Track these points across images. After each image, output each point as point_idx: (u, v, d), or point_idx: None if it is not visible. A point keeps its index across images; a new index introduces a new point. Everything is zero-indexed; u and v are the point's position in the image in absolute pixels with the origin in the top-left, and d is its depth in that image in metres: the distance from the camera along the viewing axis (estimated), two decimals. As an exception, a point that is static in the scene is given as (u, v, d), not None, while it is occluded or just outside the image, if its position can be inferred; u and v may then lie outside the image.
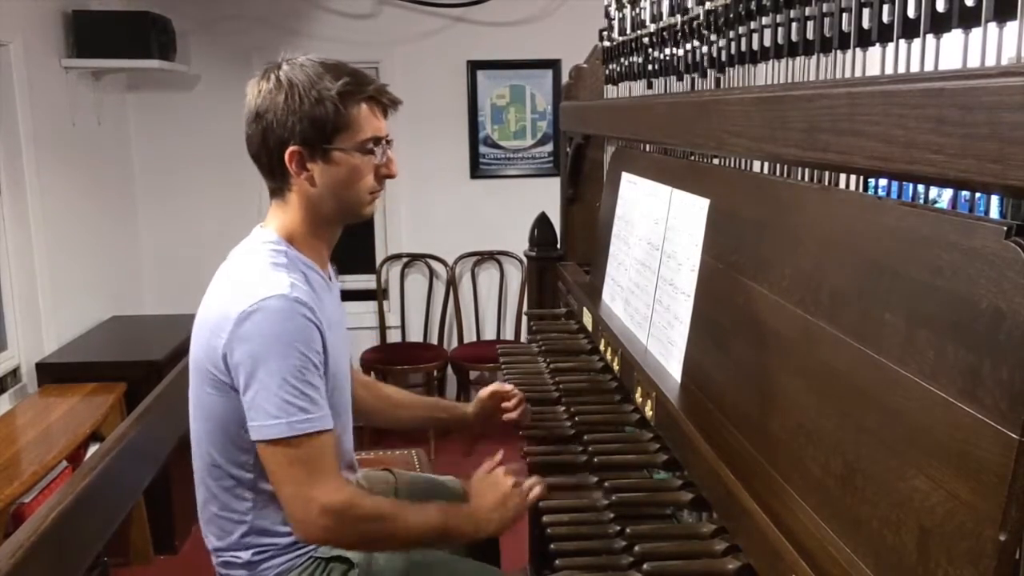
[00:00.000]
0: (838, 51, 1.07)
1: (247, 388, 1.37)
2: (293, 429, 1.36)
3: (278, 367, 1.35)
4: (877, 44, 0.99)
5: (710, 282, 1.40)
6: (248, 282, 1.41)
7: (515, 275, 4.55)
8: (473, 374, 4.46)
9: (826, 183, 1.14)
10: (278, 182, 1.48)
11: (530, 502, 1.49)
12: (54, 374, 3.23)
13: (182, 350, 3.26)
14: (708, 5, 1.46)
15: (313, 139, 1.41)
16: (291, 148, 1.42)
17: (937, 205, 1.05)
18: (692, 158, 1.67)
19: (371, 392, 1.87)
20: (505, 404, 1.80)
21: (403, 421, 1.95)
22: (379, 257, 4.51)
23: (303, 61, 1.44)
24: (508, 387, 1.82)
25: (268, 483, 1.45)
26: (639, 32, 1.90)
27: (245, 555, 1.52)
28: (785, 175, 1.25)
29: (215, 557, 1.57)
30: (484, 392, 1.85)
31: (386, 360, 4.28)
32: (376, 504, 1.47)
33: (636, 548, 1.17)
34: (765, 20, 1.25)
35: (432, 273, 4.54)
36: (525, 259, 2.71)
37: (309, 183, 1.45)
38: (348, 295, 3.79)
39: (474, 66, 4.40)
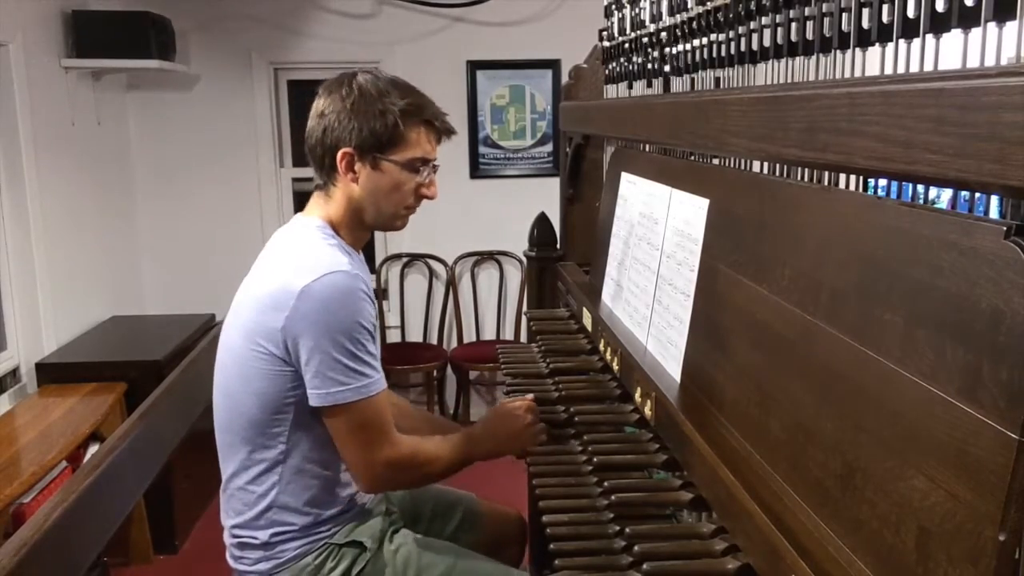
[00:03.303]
0: (838, 51, 1.07)
1: (310, 359, 1.46)
2: (358, 394, 1.47)
3: (340, 338, 1.45)
4: (877, 44, 0.99)
5: (710, 282, 1.40)
6: (307, 259, 1.49)
7: (515, 275, 4.56)
8: (473, 374, 4.47)
9: (826, 183, 1.14)
10: (325, 177, 1.59)
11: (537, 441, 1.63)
12: (54, 374, 3.24)
13: (182, 350, 3.29)
14: (708, 5, 1.46)
15: (367, 146, 1.53)
16: (345, 149, 1.52)
17: (937, 205, 1.05)
18: (692, 158, 1.67)
19: None
20: None
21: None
22: (379, 257, 4.51)
23: (378, 75, 1.57)
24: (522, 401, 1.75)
25: (298, 459, 1.54)
26: (639, 32, 1.90)
27: (263, 535, 1.56)
28: (785, 175, 1.25)
29: (231, 537, 1.60)
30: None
31: (386, 360, 4.24)
32: (426, 449, 1.61)
33: (636, 548, 1.17)
34: (765, 20, 1.25)
35: (432, 273, 4.54)
36: (525, 259, 2.71)
37: (354, 183, 1.55)
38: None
39: (474, 66, 4.41)
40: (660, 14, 1.73)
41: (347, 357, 1.45)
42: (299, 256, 1.51)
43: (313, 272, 1.45)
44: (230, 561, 1.62)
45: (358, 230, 1.62)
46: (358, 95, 1.52)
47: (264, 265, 1.56)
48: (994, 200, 0.89)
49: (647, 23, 1.82)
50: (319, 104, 1.56)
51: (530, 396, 1.72)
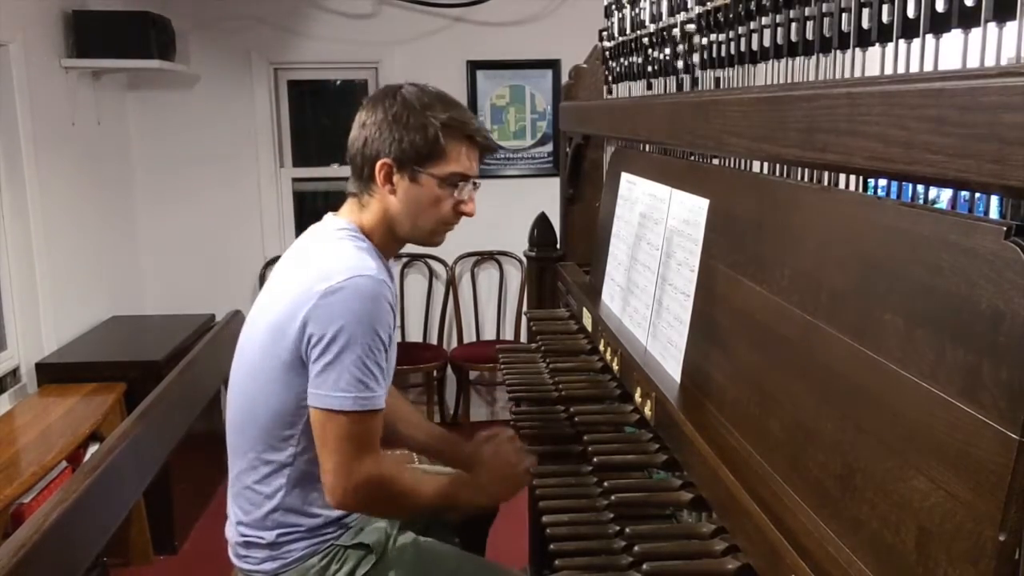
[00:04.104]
0: (838, 51, 1.07)
1: (320, 358, 1.43)
2: (358, 404, 1.44)
3: (356, 344, 1.42)
4: (877, 44, 0.99)
5: (710, 282, 1.40)
6: (333, 262, 1.47)
7: (515, 275, 4.55)
8: (473, 374, 4.47)
9: (826, 183, 1.14)
10: (363, 185, 1.58)
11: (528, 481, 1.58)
12: (54, 374, 3.23)
13: (182, 350, 3.29)
14: (708, 5, 1.46)
15: (406, 158, 1.52)
16: (384, 160, 1.52)
17: (937, 205, 1.05)
18: (692, 158, 1.67)
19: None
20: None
21: (402, 438, 1.91)
22: (379, 257, 4.51)
23: (424, 88, 1.57)
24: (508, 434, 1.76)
25: (305, 464, 1.52)
26: (639, 32, 1.90)
27: (269, 535, 1.56)
28: (785, 175, 1.25)
29: (236, 535, 1.60)
30: (484, 437, 1.79)
31: (386, 360, 4.27)
32: (403, 479, 1.56)
33: (636, 548, 1.17)
34: (765, 20, 1.25)
35: (432, 273, 4.54)
36: (525, 259, 2.71)
37: (392, 194, 1.54)
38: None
39: (474, 66, 4.41)
40: (660, 14, 1.73)
41: (357, 366, 1.42)
42: (325, 258, 1.49)
43: (338, 275, 1.43)
44: (233, 559, 1.61)
45: (391, 241, 1.60)
46: (400, 107, 1.51)
47: (288, 266, 1.56)
48: (994, 200, 0.90)
49: (647, 23, 1.83)
50: (362, 115, 1.55)
51: (509, 433, 1.71)
